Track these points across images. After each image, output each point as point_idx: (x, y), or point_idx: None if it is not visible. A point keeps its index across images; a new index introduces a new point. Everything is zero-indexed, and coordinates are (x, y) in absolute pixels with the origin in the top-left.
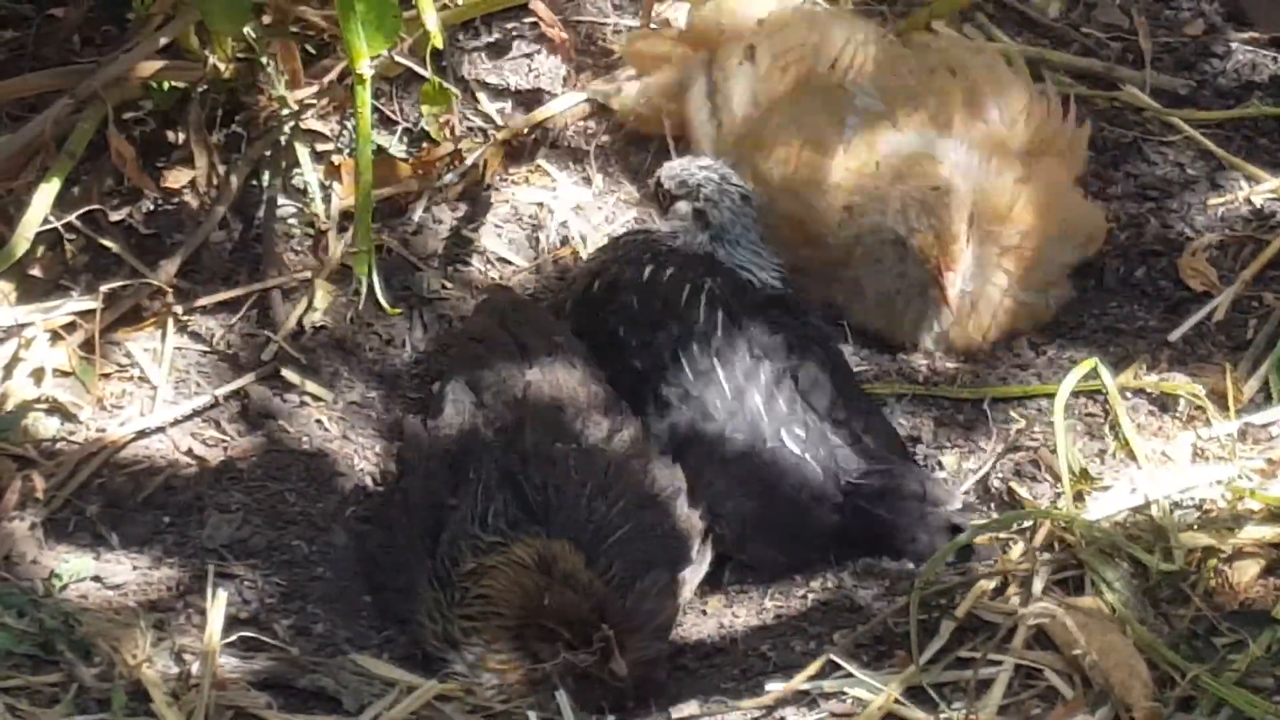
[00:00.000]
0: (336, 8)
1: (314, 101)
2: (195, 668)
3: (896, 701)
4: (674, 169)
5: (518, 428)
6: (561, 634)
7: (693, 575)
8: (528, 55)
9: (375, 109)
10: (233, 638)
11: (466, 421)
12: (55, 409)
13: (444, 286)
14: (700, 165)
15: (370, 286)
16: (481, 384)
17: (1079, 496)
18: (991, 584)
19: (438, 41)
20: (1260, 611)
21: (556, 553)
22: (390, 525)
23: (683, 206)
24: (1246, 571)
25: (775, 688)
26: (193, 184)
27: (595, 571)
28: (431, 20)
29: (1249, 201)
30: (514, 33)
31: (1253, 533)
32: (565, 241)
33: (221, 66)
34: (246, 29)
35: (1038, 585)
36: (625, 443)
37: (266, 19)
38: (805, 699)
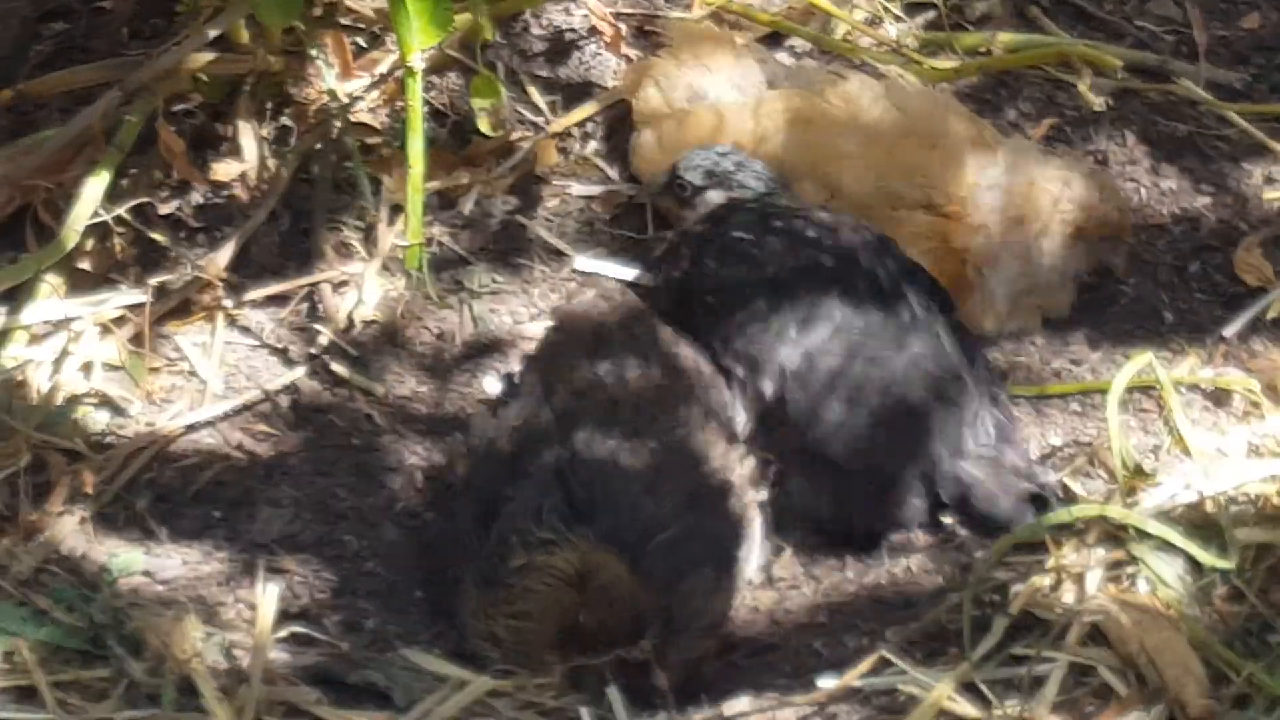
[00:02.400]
0: (388, 1)
1: (364, 94)
2: (245, 662)
3: (949, 698)
4: (694, 160)
5: (573, 422)
6: (601, 648)
7: (748, 566)
8: (579, 48)
9: (426, 101)
10: (283, 632)
11: (531, 412)
12: (104, 403)
13: (494, 280)
14: (719, 152)
15: (421, 280)
16: (553, 373)
17: (1133, 492)
18: (1045, 580)
19: (488, 34)
20: None
21: (596, 564)
22: (448, 515)
23: (715, 195)
24: None
25: (827, 684)
26: (242, 177)
27: (638, 578)
28: (481, 12)
29: None
30: (565, 25)
31: None
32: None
33: (271, 59)
34: (296, 21)
35: (1091, 582)
36: (683, 437)
37: (316, 11)
38: (857, 695)
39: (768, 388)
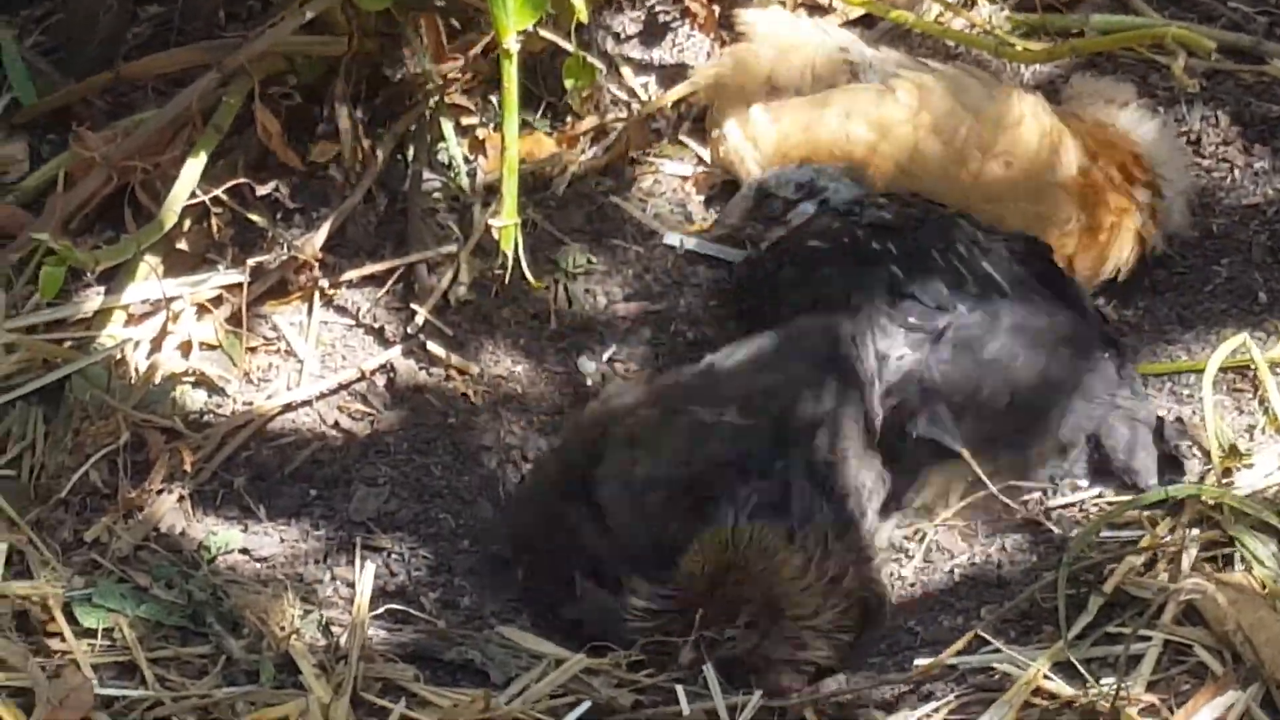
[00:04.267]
0: None
1: (458, 76)
2: (343, 639)
3: (1044, 676)
4: (782, 176)
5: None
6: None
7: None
8: (672, 29)
9: (519, 83)
10: (380, 610)
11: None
12: (203, 382)
13: (588, 260)
14: (798, 169)
15: (515, 260)
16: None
17: (1228, 472)
18: (1140, 560)
19: (582, 16)
20: None
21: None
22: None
23: (808, 207)
24: None
25: (923, 662)
26: (338, 158)
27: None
28: None
29: None
30: (658, 7)
31: None
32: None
33: (366, 41)
34: (390, 3)
35: (1186, 561)
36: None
37: None
38: (952, 674)
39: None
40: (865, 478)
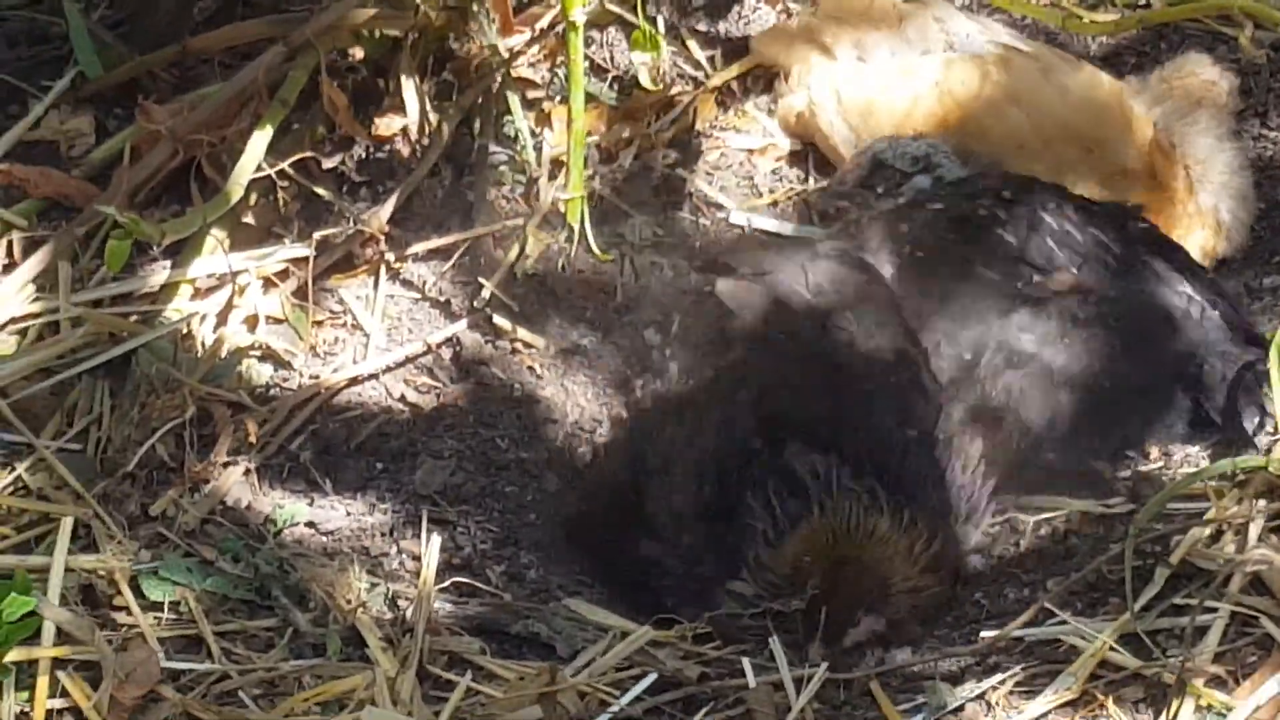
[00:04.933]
0: None
1: (524, 49)
2: (409, 613)
3: (1111, 649)
4: (898, 147)
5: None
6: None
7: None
8: (739, 2)
9: (586, 57)
10: (446, 583)
11: None
12: (269, 355)
13: (656, 233)
14: (912, 139)
15: (582, 233)
16: None
17: None
18: (1206, 531)
19: None
20: None
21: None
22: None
23: (922, 180)
24: None
25: (989, 635)
26: (404, 132)
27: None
28: None
29: None
30: None
31: None
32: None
33: (432, 14)
34: None
35: (1254, 532)
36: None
37: None
38: (1019, 646)
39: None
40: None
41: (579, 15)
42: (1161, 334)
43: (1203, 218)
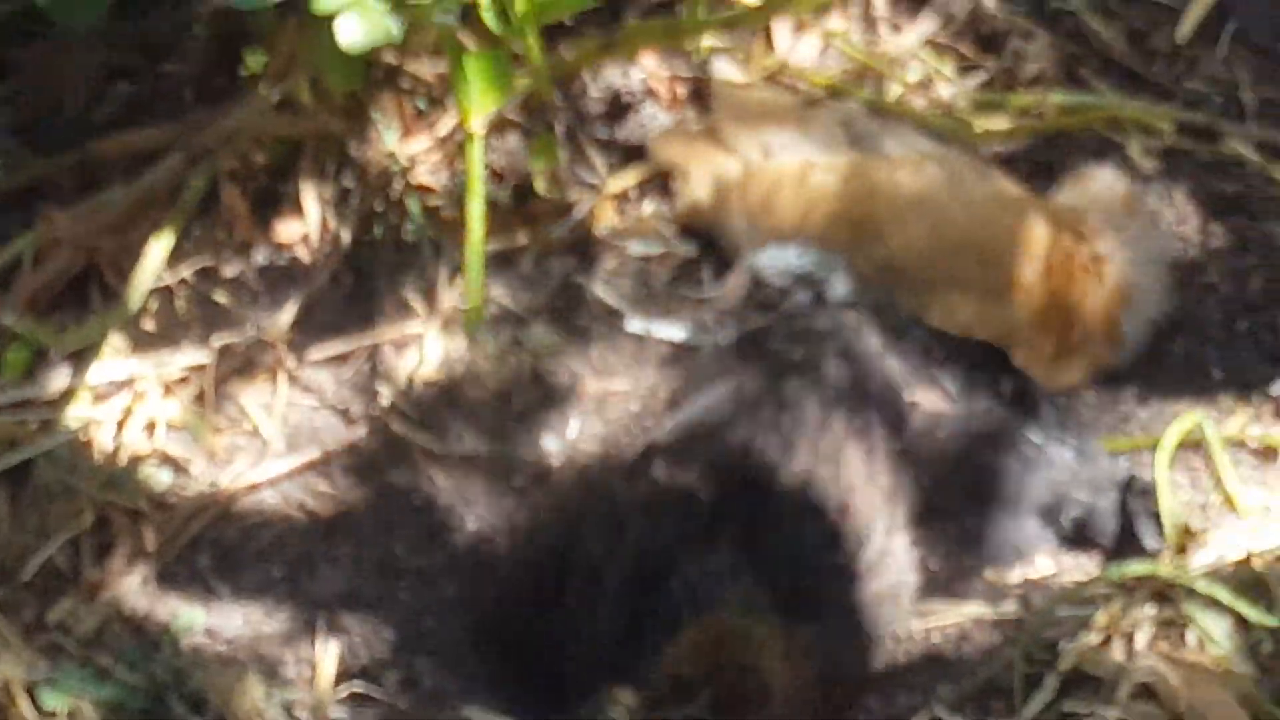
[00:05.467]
0: (448, 66)
1: (424, 156)
2: None
3: None
4: (779, 261)
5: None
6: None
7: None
8: (636, 109)
9: (485, 163)
10: (343, 691)
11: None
12: (167, 462)
13: (554, 339)
14: (797, 251)
15: (481, 341)
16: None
17: (1182, 550)
18: (1095, 639)
19: (548, 95)
20: None
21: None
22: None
23: (803, 298)
24: None
25: None
26: (304, 238)
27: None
28: (540, 75)
29: None
30: (622, 87)
31: None
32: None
33: (332, 121)
34: (359, 85)
35: (1140, 640)
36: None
37: (378, 74)
38: None
39: None
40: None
41: (478, 125)
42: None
43: (1100, 331)
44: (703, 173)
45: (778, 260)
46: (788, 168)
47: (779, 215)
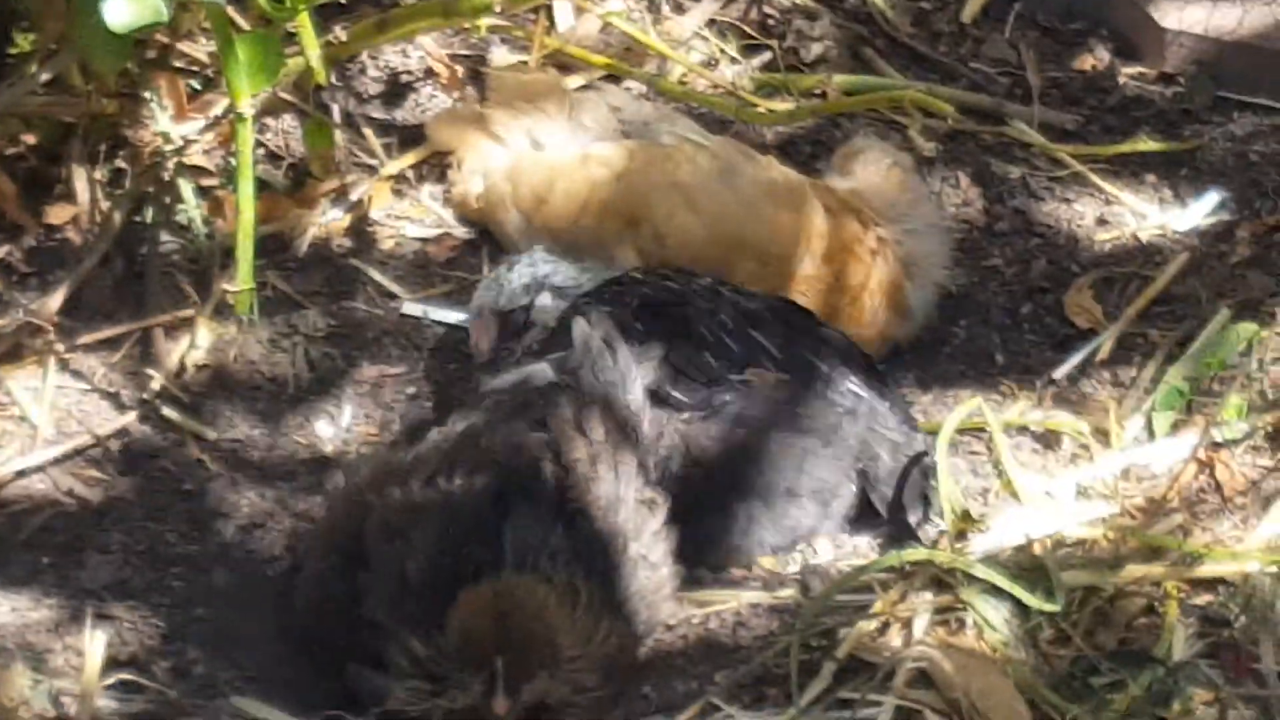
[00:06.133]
0: (217, 46)
1: (198, 137)
2: (73, 710)
3: None
4: (500, 288)
5: None
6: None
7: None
8: (414, 90)
9: (260, 144)
10: (111, 680)
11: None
12: None
13: (328, 323)
14: (507, 267)
15: (252, 324)
16: None
17: (961, 535)
18: (872, 625)
19: (321, 78)
20: (1140, 651)
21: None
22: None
23: (544, 299)
24: (1127, 610)
25: None
26: (75, 220)
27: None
28: (314, 56)
29: (1135, 237)
30: (401, 67)
31: (1133, 571)
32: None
33: (104, 102)
34: (129, 64)
35: (919, 626)
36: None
37: (150, 54)
38: None
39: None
40: (625, 522)
41: (247, 107)
42: (829, 430)
43: (887, 307)
44: (474, 163)
45: (497, 289)
46: (558, 160)
47: (549, 209)
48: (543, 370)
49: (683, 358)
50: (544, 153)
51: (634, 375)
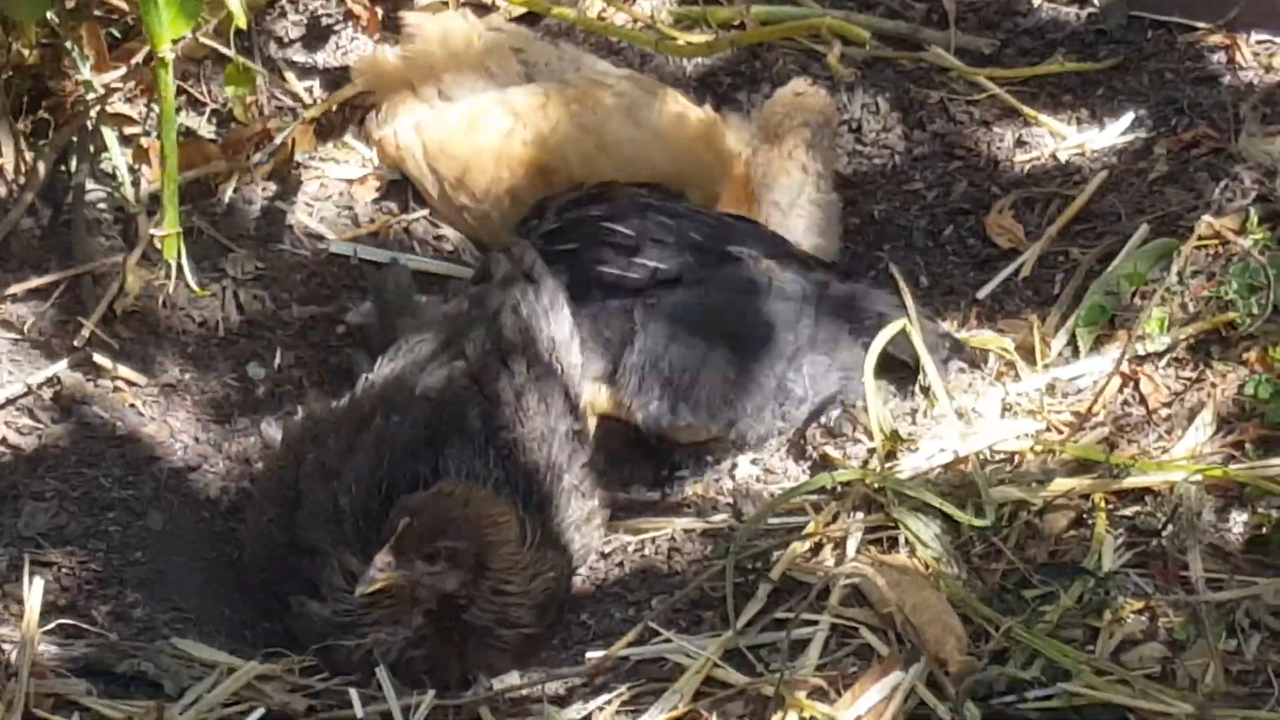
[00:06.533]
0: None
1: (120, 85)
2: (13, 656)
3: (715, 665)
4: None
5: None
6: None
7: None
8: (335, 33)
9: (183, 90)
10: (51, 625)
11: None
12: None
13: (256, 266)
14: None
15: (180, 269)
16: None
17: (891, 456)
18: (806, 546)
19: (241, 22)
20: (1070, 563)
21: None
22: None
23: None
24: (1056, 524)
25: (595, 655)
26: (0, 172)
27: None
28: (234, 2)
29: (1054, 157)
30: (321, 10)
31: (1061, 485)
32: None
33: (25, 52)
34: (50, 14)
35: (852, 545)
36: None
37: (70, 3)
38: (626, 665)
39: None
40: (558, 455)
41: (168, 52)
42: (756, 316)
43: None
44: (389, 114)
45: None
46: (468, 110)
47: (460, 160)
48: (466, 308)
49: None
50: (450, 106)
51: (560, 307)
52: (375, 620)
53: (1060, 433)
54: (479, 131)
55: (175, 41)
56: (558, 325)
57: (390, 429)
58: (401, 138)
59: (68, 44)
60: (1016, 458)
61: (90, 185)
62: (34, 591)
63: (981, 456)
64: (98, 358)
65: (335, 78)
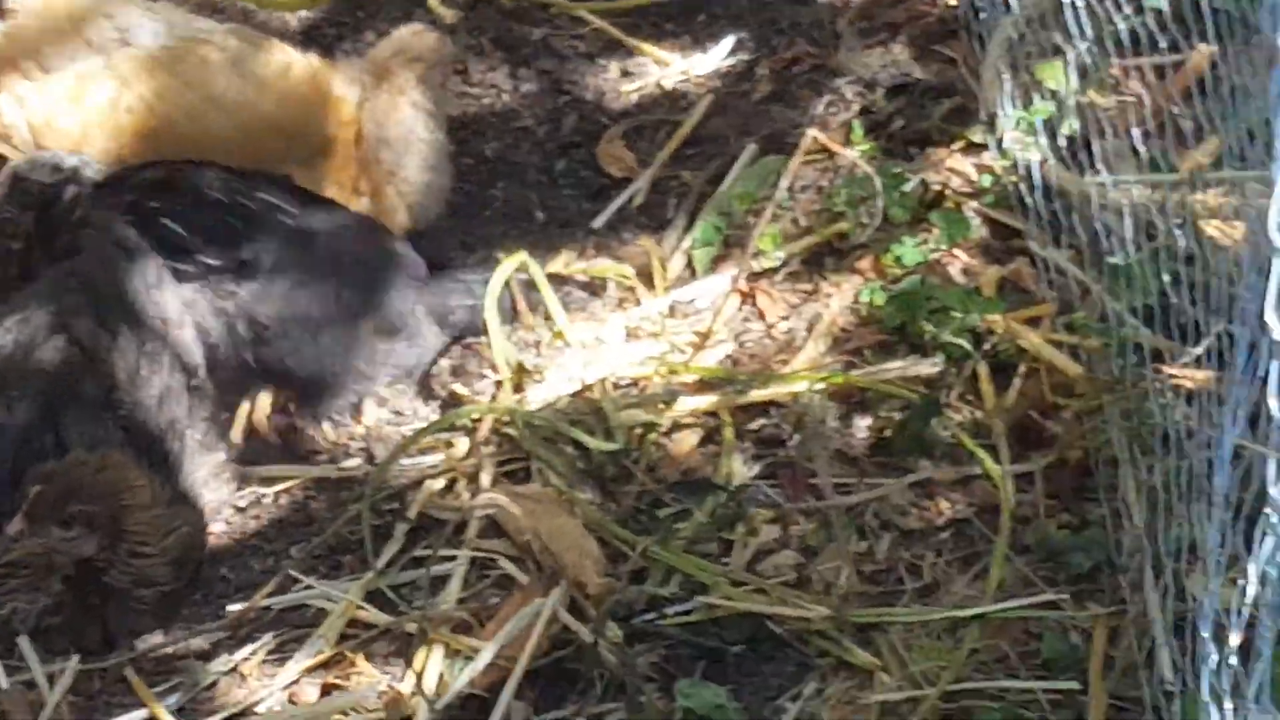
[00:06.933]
0: None
1: None
2: None
3: (359, 608)
4: (41, 160)
5: None
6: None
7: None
8: None
9: None
10: None
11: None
12: None
13: None
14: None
15: None
16: None
17: (519, 388)
18: (440, 483)
19: None
20: (701, 480)
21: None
22: None
23: (70, 190)
24: (685, 443)
25: (236, 608)
26: None
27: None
28: None
29: (660, 86)
30: None
31: (688, 405)
32: None
33: None
34: None
35: (485, 479)
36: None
37: None
38: (268, 615)
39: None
40: (178, 413)
41: None
42: (345, 280)
43: (396, 197)
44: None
45: (39, 160)
46: (71, 80)
47: (64, 136)
48: (62, 280)
49: (199, 225)
50: (50, 79)
51: (154, 271)
52: (12, 590)
53: (684, 354)
54: (84, 101)
55: None
56: (162, 295)
57: (8, 407)
58: (5, 115)
59: None
60: (642, 381)
61: None
62: None
63: (608, 382)
64: None
65: None
